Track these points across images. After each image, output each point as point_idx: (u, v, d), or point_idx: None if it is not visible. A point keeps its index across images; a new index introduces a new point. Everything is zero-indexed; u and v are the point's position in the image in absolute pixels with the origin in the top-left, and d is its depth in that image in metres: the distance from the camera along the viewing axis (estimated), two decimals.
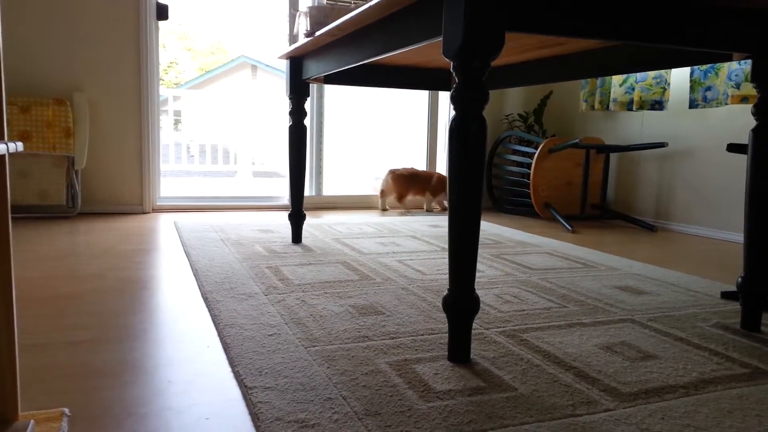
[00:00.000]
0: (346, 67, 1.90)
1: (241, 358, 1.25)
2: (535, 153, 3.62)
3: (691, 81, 3.12)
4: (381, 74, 2.55)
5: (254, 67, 16.56)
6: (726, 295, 1.86)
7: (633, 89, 3.42)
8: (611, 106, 3.55)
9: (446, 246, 2.62)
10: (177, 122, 8.49)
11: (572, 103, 4.10)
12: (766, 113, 1.47)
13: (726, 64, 2.93)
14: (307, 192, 3.95)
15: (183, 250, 2.41)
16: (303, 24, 2.18)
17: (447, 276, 2.06)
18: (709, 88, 3.03)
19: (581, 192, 3.62)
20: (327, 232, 2.91)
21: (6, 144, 0.76)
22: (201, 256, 2.25)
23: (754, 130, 1.48)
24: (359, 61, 1.75)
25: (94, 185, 3.42)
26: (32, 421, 0.92)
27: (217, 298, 1.70)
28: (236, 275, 1.97)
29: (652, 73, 3.32)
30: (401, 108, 4.53)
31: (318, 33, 1.91)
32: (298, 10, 2.25)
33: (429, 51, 2.12)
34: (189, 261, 2.20)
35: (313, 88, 3.89)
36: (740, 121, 2.99)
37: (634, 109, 3.40)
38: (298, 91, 2.46)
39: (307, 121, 3.78)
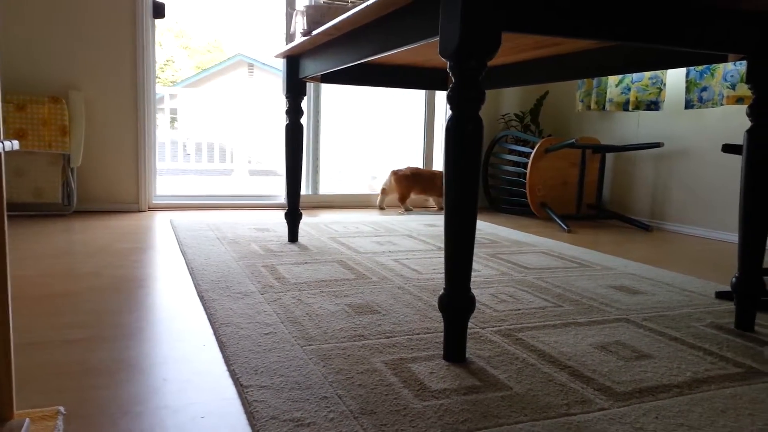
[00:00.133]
0: (343, 66, 1.90)
1: (237, 357, 1.25)
2: (531, 153, 3.63)
3: (686, 81, 3.13)
4: (378, 73, 2.55)
5: (251, 66, 16.53)
6: (720, 295, 1.87)
7: (629, 89, 3.43)
8: (607, 106, 3.56)
9: (442, 245, 2.63)
10: (173, 120, 8.47)
11: (568, 103, 4.11)
12: (761, 114, 1.47)
13: (721, 65, 2.94)
14: (303, 191, 3.95)
15: (179, 249, 2.41)
16: (300, 23, 2.18)
17: (443, 275, 2.06)
18: (704, 89, 3.04)
19: (577, 192, 3.62)
20: (323, 231, 2.91)
21: (2, 143, 0.76)
22: (197, 255, 2.25)
23: (749, 131, 1.49)
24: (356, 61, 1.76)
25: (89, 183, 3.42)
26: (27, 419, 0.92)
27: (213, 296, 1.70)
28: (232, 274, 1.97)
29: (647, 74, 3.33)
30: (398, 107, 4.53)
31: (315, 32, 1.91)
32: (295, 9, 2.26)
33: (426, 50, 2.12)
34: (185, 259, 2.20)
35: (310, 87, 3.89)
36: (735, 122, 3.00)
37: (630, 109, 3.41)
38: (295, 90, 2.46)
39: (303, 120, 3.77)
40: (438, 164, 4.28)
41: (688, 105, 3.12)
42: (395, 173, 3.91)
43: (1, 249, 0.85)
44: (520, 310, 1.66)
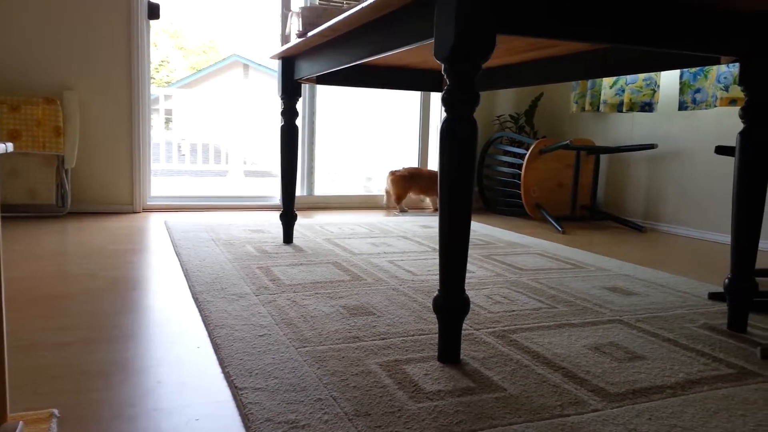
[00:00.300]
0: (339, 68, 1.90)
1: (232, 359, 1.25)
2: (526, 154, 3.64)
3: (680, 83, 3.15)
4: (373, 75, 2.55)
5: (246, 66, 16.51)
6: (713, 296, 1.87)
7: (623, 91, 3.44)
8: (601, 107, 3.57)
9: (437, 246, 2.63)
10: (168, 121, 8.46)
11: (563, 104, 4.12)
12: (754, 116, 1.48)
13: (715, 67, 2.96)
14: (298, 192, 3.95)
15: (173, 250, 2.40)
16: (295, 24, 2.18)
17: (437, 276, 2.06)
18: (698, 91, 3.06)
19: (571, 193, 3.64)
20: (318, 233, 2.91)
21: None
22: (191, 257, 2.24)
23: (741, 134, 1.50)
24: (351, 62, 1.76)
25: (84, 184, 3.41)
26: (21, 422, 0.92)
27: (208, 298, 1.70)
28: (227, 276, 1.97)
29: (641, 75, 3.34)
30: (393, 108, 4.53)
31: (310, 34, 1.91)
32: (290, 11, 2.25)
33: (421, 52, 2.12)
34: (179, 261, 2.20)
35: (305, 88, 3.89)
36: (729, 123, 3.02)
37: (624, 110, 3.42)
38: (290, 91, 2.46)
39: (299, 121, 3.78)
40: (433, 165, 4.29)
41: (682, 106, 3.14)
42: (392, 174, 3.91)
43: None
44: (514, 311, 1.66)
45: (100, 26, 3.32)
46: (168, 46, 21.45)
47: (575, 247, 2.73)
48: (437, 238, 2.87)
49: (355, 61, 1.73)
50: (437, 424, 1.00)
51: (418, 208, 4.14)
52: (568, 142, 3.32)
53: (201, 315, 1.57)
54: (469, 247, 2.64)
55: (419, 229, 3.12)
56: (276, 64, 2.54)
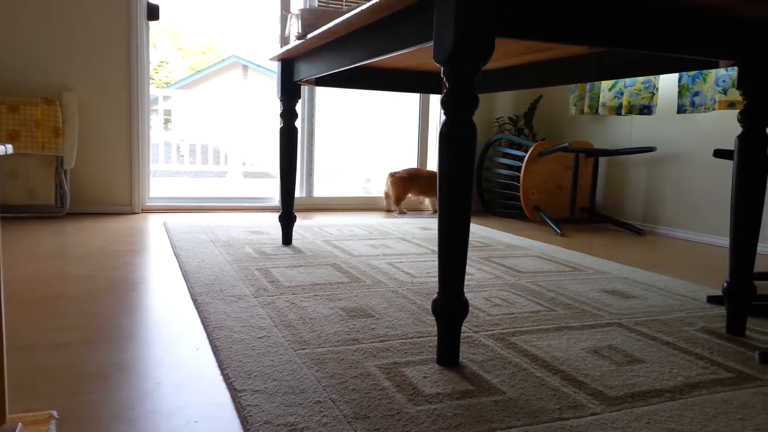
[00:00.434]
0: (338, 70, 1.90)
1: (231, 361, 1.25)
2: (525, 156, 3.64)
3: (679, 86, 3.15)
4: (372, 77, 2.56)
5: (245, 67, 16.51)
6: (712, 300, 1.88)
7: (622, 94, 3.45)
8: (600, 110, 3.57)
9: (436, 248, 2.63)
10: (167, 122, 8.45)
11: (562, 107, 4.13)
12: (752, 120, 1.49)
13: (713, 71, 2.97)
14: (297, 193, 3.95)
15: (172, 252, 2.40)
16: (294, 26, 2.18)
17: (436, 279, 2.06)
18: (697, 94, 3.06)
19: (570, 195, 3.64)
20: (317, 234, 2.91)
21: None
22: (190, 258, 2.24)
23: (740, 137, 1.50)
24: (351, 64, 1.76)
25: (83, 185, 3.41)
26: (20, 423, 0.92)
27: (207, 300, 1.70)
28: (226, 277, 1.97)
29: (640, 78, 3.35)
30: (392, 110, 4.53)
31: (310, 35, 1.91)
32: (289, 12, 2.26)
33: (420, 54, 2.13)
34: (178, 262, 2.20)
35: (305, 89, 3.89)
36: (727, 127, 3.02)
37: (622, 113, 3.43)
38: (289, 92, 2.47)
39: (298, 123, 3.78)
40: (432, 167, 4.29)
41: (681, 109, 3.14)
42: (392, 175, 3.91)
43: None
44: (513, 314, 1.67)
45: (99, 27, 3.32)
46: (167, 46, 21.44)
47: (574, 250, 2.74)
48: (436, 240, 2.87)
49: (354, 64, 1.73)
50: (436, 427, 1.00)
51: (417, 210, 4.14)
52: (567, 144, 3.32)
53: (200, 316, 1.57)
54: (468, 249, 2.64)
55: (418, 231, 3.12)
56: (275, 65, 2.54)
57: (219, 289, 1.81)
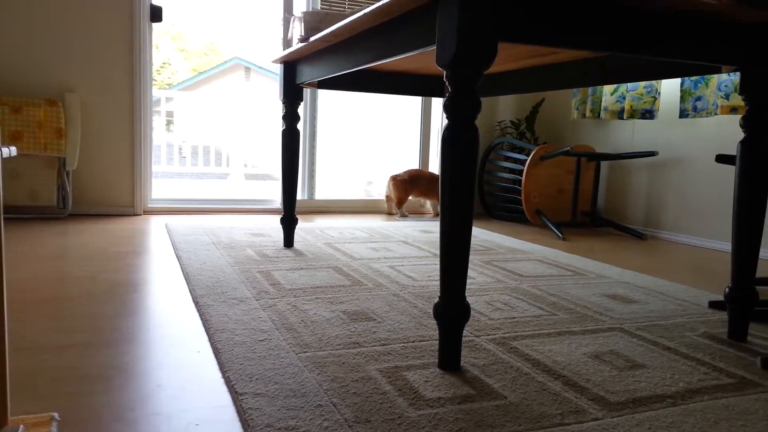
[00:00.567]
0: (340, 73, 1.90)
1: (232, 364, 1.25)
2: (526, 160, 3.64)
3: (681, 91, 3.15)
4: (375, 80, 2.56)
5: (248, 69, 16.53)
6: (714, 305, 1.87)
7: (624, 98, 3.45)
8: (602, 114, 3.57)
9: (438, 252, 2.63)
10: (169, 123, 8.47)
11: (564, 111, 4.13)
12: (754, 125, 1.49)
13: (715, 75, 2.96)
14: (299, 196, 3.95)
15: (174, 253, 2.41)
16: (297, 29, 2.18)
17: (438, 282, 2.06)
18: (699, 98, 3.06)
19: (572, 199, 3.64)
20: (319, 237, 2.91)
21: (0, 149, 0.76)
22: (192, 260, 2.24)
23: (742, 142, 1.50)
24: (353, 68, 1.76)
25: (85, 186, 3.41)
26: (21, 425, 0.92)
27: (208, 302, 1.70)
28: (227, 279, 1.97)
29: (642, 83, 3.35)
30: (394, 113, 4.54)
31: (312, 38, 1.91)
32: (292, 15, 2.26)
33: (422, 58, 2.13)
34: (180, 264, 2.20)
35: (307, 92, 3.89)
36: (729, 132, 3.02)
37: (624, 117, 3.43)
38: (292, 95, 2.47)
39: (300, 125, 3.78)
40: (434, 170, 4.29)
41: (683, 114, 3.14)
42: (393, 178, 3.91)
43: None
44: (514, 318, 1.66)
45: (102, 28, 3.33)
46: (169, 48, 21.48)
47: (575, 254, 2.73)
48: (438, 244, 2.87)
49: (356, 67, 1.73)
50: None
51: (418, 213, 4.14)
52: (568, 148, 3.32)
53: (201, 319, 1.57)
54: (470, 253, 2.64)
55: (420, 234, 3.12)
56: (278, 68, 2.54)
57: (220, 292, 1.81)
